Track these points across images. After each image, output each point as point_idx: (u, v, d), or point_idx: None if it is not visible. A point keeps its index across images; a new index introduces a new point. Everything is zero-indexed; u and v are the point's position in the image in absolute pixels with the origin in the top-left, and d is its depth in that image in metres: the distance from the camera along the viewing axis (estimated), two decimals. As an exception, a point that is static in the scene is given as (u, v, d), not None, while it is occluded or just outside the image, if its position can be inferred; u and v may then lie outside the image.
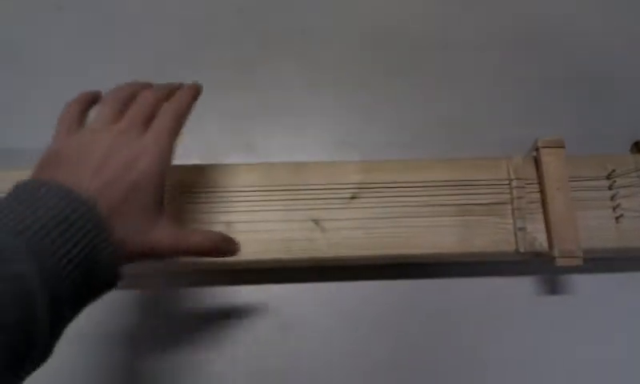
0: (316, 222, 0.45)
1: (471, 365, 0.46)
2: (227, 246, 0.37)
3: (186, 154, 0.49)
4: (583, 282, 0.48)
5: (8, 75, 0.53)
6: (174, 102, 0.37)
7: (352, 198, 0.46)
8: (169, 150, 0.35)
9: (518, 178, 0.46)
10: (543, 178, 0.46)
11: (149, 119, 0.35)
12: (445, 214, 0.46)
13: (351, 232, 0.45)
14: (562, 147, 0.47)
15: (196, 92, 0.39)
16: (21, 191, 0.30)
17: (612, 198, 0.47)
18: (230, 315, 0.46)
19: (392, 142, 0.52)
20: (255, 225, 0.44)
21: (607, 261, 0.48)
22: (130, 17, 0.56)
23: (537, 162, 0.47)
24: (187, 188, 0.45)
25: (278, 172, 0.46)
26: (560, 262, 0.44)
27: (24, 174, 0.32)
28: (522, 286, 0.48)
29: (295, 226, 0.45)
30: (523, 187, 0.46)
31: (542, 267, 0.47)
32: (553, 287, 0.48)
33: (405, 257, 0.45)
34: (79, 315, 0.31)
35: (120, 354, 0.44)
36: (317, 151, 0.51)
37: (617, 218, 0.46)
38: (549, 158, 0.47)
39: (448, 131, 0.53)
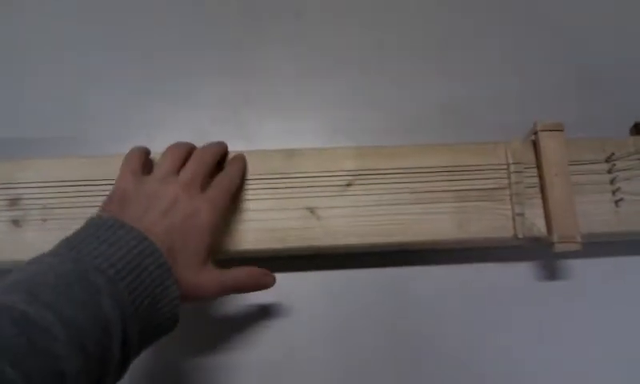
0: (311, 210, 0.44)
1: (470, 352, 0.45)
2: (266, 279, 0.41)
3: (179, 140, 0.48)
4: (582, 267, 0.47)
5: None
6: (231, 172, 0.43)
7: (347, 185, 0.45)
8: (224, 210, 0.40)
9: (516, 163, 0.46)
10: (542, 162, 0.45)
11: (206, 178, 0.40)
12: (442, 200, 0.45)
13: (347, 220, 0.44)
14: (561, 131, 0.46)
15: (244, 165, 0.45)
16: (101, 229, 0.33)
17: (611, 181, 0.46)
18: (224, 306, 0.46)
19: (388, 127, 0.51)
20: (248, 214, 0.43)
21: (607, 245, 0.47)
22: (122, 3, 0.54)
23: (535, 146, 0.46)
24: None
25: (272, 159, 0.45)
26: (559, 248, 0.43)
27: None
28: (521, 271, 0.47)
29: (290, 215, 0.44)
30: (521, 172, 0.45)
31: (541, 252, 0.47)
32: (552, 272, 0.48)
33: (402, 244, 0.44)
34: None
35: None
36: (311, 137, 0.50)
37: (616, 202, 0.45)
38: (548, 142, 0.46)
39: (445, 116, 0.52)
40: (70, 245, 0.33)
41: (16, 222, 0.42)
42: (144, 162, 0.41)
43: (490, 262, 0.47)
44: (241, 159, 0.44)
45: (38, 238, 0.42)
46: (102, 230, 0.33)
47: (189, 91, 0.50)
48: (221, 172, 0.42)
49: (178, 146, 0.42)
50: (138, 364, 0.39)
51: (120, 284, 0.31)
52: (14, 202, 0.42)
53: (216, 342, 0.45)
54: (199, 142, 0.48)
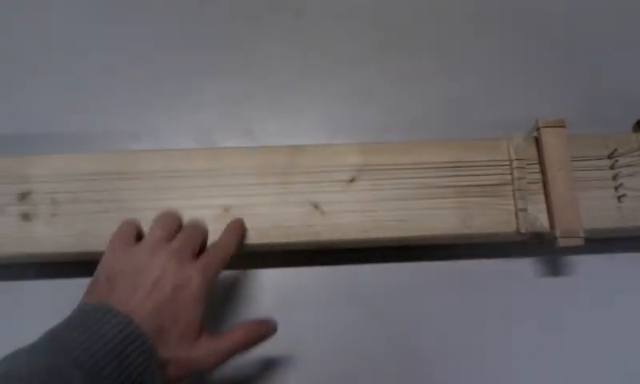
0: (315, 205, 0.44)
1: (472, 348, 0.45)
2: (266, 329, 0.39)
3: (182, 137, 0.49)
4: (585, 263, 0.48)
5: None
6: (224, 241, 0.41)
7: (351, 180, 0.45)
8: (213, 280, 0.38)
9: (518, 159, 0.46)
10: (544, 158, 0.45)
11: (196, 248, 0.39)
12: (444, 195, 0.45)
13: (351, 215, 0.44)
14: (563, 127, 0.46)
15: (242, 233, 0.43)
16: (85, 317, 0.33)
17: (614, 177, 0.46)
18: (228, 300, 0.46)
19: (390, 123, 0.51)
20: (253, 208, 0.44)
21: (609, 241, 0.47)
22: (124, 2, 0.55)
23: (538, 142, 0.47)
24: (186, 172, 0.44)
25: (276, 155, 0.45)
26: (562, 243, 0.43)
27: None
28: (524, 267, 0.48)
29: (294, 210, 0.44)
30: (524, 167, 0.46)
31: (544, 248, 0.47)
32: (554, 268, 0.48)
33: (405, 239, 0.45)
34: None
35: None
36: (314, 134, 0.50)
37: (619, 198, 0.45)
38: (550, 138, 0.46)
39: (447, 111, 0.52)
40: (51, 336, 0.32)
41: (26, 216, 0.42)
42: (135, 235, 0.39)
43: (492, 258, 0.48)
44: (239, 226, 0.42)
45: (46, 232, 0.42)
46: (87, 318, 0.32)
47: (192, 89, 0.51)
48: (218, 239, 0.41)
49: (168, 214, 0.40)
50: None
51: (101, 374, 0.30)
52: (23, 196, 0.43)
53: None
54: (203, 140, 0.49)
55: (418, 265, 0.47)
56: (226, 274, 0.46)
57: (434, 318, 0.46)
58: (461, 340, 0.46)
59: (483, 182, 0.46)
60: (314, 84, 0.52)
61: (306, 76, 0.52)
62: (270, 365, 0.45)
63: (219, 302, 0.46)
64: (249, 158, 0.45)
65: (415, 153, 0.46)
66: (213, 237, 0.42)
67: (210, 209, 0.44)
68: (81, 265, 0.44)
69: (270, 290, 0.46)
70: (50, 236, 0.42)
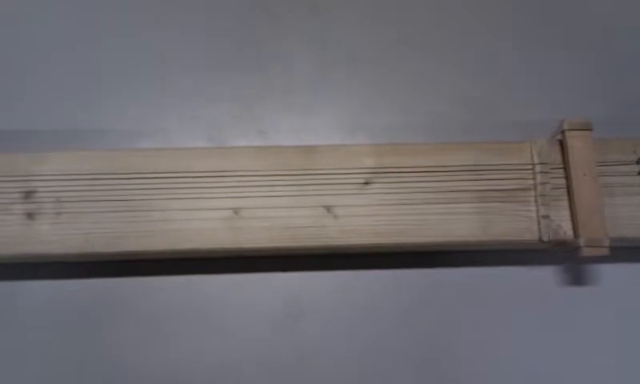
0: (328, 208, 0.43)
1: (490, 357, 0.44)
2: None
3: (194, 137, 0.48)
4: (610, 273, 0.46)
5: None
6: None
7: (365, 183, 0.43)
8: None
9: (542, 163, 0.44)
10: (569, 162, 0.43)
11: None
12: (463, 200, 0.44)
13: (365, 219, 0.43)
14: (589, 130, 0.44)
15: None
16: None
17: (643, 183, 0.44)
18: (239, 304, 0.45)
19: (407, 125, 0.49)
20: (264, 211, 0.42)
21: (636, 250, 0.45)
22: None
23: (562, 146, 0.44)
24: (195, 173, 0.43)
25: (288, 156, 0.44)
26: (586, 252, 0.41)
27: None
28: (546, 276, 0.46)
29: (306, 213, 0.43)
30: (548, 172, 0.44)
31: (567, 257, 0.45)
32: (578, 278, 0.46)
33: (421, 245, 0.43)
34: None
35: (132, 338, 0.44)
36: (328, 134, 0.49)
37: (647, 205, 0.43)
38: (575, 142, 0.44)
39: (467, 112, 0.50)
40: None
41: (30, 215, 0.41)
42: None
43: (513, 266, 0.46)
44: None
45: (51, 231, 0.41)
46: None
47: (204, 86, 0.50)
48: None
49: None
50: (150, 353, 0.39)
51: None
52: (28, 194, 0.42)
53: (229, 342, 0.44)
54: (214, 139, 0.47)
55: (435, 271, 0.46)
56: (236, 277, 0.45)
57: (450, 326, 0.45)
58: (478, 350, 0.44)
59: (504, 187, 0.44)
60: (328, 82, 0.50)
61: (321, 73, 0.51)
62: (279, 372, 0.43)
63: (227, 305, 0.45)
64: (261, 158, 0.44)
65: (433, 155, 0.44)
66: (223, 242, 0.41)
67: (219, 210, 0.42)
68: (85, 265, 0.44)
69: (281, 294, 0.45)
70: (54, 235, 0.41)
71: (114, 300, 0.44)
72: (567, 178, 0.44)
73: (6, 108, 0.48)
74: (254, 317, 0.45)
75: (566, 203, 0.43)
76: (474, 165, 0.44)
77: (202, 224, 0.42)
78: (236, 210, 0.42)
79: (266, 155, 0.44)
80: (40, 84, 0.49)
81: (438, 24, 0.53)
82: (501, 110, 0.50)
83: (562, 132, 0.44)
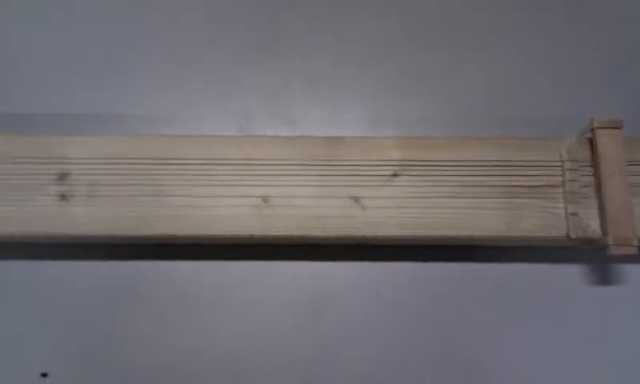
0: (355, 199, 0.43)
1: (513, 355, 0.44)
2: None
3: (223, 126, 0.48)
4: (637, 273, 0.45)
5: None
6: None
7: (393, 175, 0.44)
8: None
9: (571, 160, 0.44)
10: (599, 160, 0.43)
11: None
12: (491, 195, 0.44)
13: (391, 211, 0.43)
14: (619, 128, 0.44)
15: None
16: None
17: (673, 183, 0.44)
18: (264, 291, 0.45)
19: (435, 117, 0.49)
20: (292, 200, 0.43)
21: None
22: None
23: (592, 144, 0.44)
24: (225, 160, 0.44)
25: (317, 146, 0.44)
26: (614, 250, 0.41)
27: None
28: (572, 273, 0.45)
29: (333, 203, 0.43)
30: (576, 170, 0.44)
31: (594, 255, 0.45)
32: (605, 276, 0.45)
33: (447, 239, 0.43)
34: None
35: (149, 321, 0.44)
36: (356, 125, 0.49)
37: (677, 205, 0.43)
38: (605, 140, 0.43)
39: (495, 107, 0.50)
40: None
41: (64, 197, 0.42)
42: None
43: (539, 263, 0.45)
44: None
45: (83, 213, 0.42)
46: None
47: (234, 76, 0.50)
48: None
49: None
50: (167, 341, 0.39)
51: None
52: (62, 176, 0.43)
53: (253, 329, 0.44)
54: (243, 128, 0.48)
55: (460, 266, 0.46)
56: (258, 264, 0.46)
57: (473, 321, 0.44)
58: (501, 345, 0.44)
59: (532, 183, 0.44)
60: (356, 73, 0.50)
61: (349, 65, 0.51)
62: (301, 360, 0.44)
63: (248, 293, 0.45)
64: (290, 147, 0.44)
65: (461, 149, 0.44)
66: (251, 229, 0.42)
67: (248, 198, 0.43)
68: (114, 247, 0.44)
69: (306, 283, 0.45)
70: (86, 217, 0.42)
71: (141, 282, 0.45)
72: (596, 175, 0.43)
73: (42, 92, 0.49)
74: (279, 305, 0.45)
75: (594, 201, 0.43)
76: (503, 160, 0.44)
77: (231, 211, 0.43)
78: (265, 198, 0.43)
79: (295, 145, 0.44)
80: (75, 69, 0.50)
81: (467, 17, 0.53)
82: (527, 107, 0.50)
83: (592, 130, 0.44)
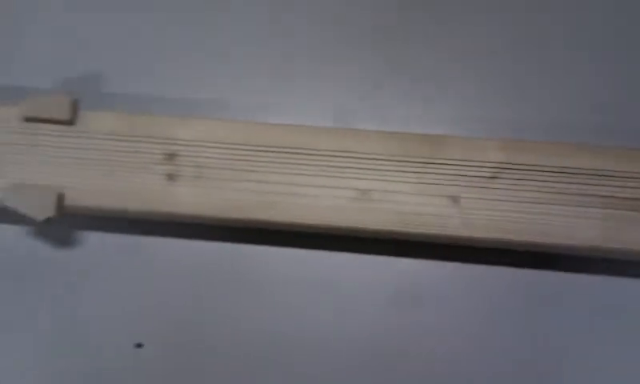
0: (453, 198, 0.43)
1: (597, 373, 0.43)
2: None
3: (317, 116, 0.49)
4: None
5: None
6: None
7: (492, 177, 0.44)
8: None
9: (678, 174, 0.43)
10: None
11: None
12: (590, 204, 0.43)
13: (489, 213, 0.43)
14: None
15: None
16: None
17: None
18: (353, 283, 0.46)
19: (537, 121, 0.49)
20: (390, 195, 0.43)
21: None
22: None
23: (702, 159, 0.43)
24: (323, 151, 0.44)
25: (416, 143, 0.44)
26: None
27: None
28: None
29: (431, 201, 0.43)
30: (683, 185, 0.43)
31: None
32: None
33: (543, 245, 0.43)
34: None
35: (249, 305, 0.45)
36: (454, 124, 0.49)
37: None
38: None
39: (600, 115, 0.49)
40: None
41: (171, 176, 0.44)
42: None
43: (635, 277, 0.45)
44: None
45: (188, 194, 0.43)
46: None
47: (333, 68, 0.51)
48: None
49: None
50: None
51: None
52: (170, 156, 0.44)
53: (338, 319, 0.45)
54: (340, 119, 0.48)
55: (553, 274, 0.45)
56: (346, 256, 0.46)
57: (560, 332, 0.44)
58: (585, 360, 0.44)
59: (633, 196, 0.43)
60: (458, 72, 0.50)
61: (451, 63, 0.50)
62: (384, 354, 0.44)
63: (342, 283, 0.46)
64: (389, 142, 0.44)
65: (562, 155, 0.44)
66: (347, 221, 0.43)
67: (344, 189, 0.43)
68: (216, 229, 0.46)
69: (396, 280, 0.46)
70: (191, 198, 0.43)
71: (238, 265, 0.46)
72: None
73: (155, 74, 0.51)
74: (367, 299, 0.46)
75: (701, 219, 0.42)
76: (604, 170, 0.43)
77: (329, 201, 0.43)
78: (362, 192, 0.43)
79: (395, 140, 0.45)
80: (188, 55, 0.52)
81: (578, 21, 0.52)
82: (634, 117, 0.49)
83: (703, 145, 0.43)
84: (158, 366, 0.45)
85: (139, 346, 0.45)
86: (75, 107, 0.45)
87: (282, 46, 0.51)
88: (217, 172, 0.44)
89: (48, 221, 0.43)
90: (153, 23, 0.52)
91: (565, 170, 0.44)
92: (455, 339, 0.45)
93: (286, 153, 0.44)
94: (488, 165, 0.44)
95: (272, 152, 0.44)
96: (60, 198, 0.43)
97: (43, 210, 0.43)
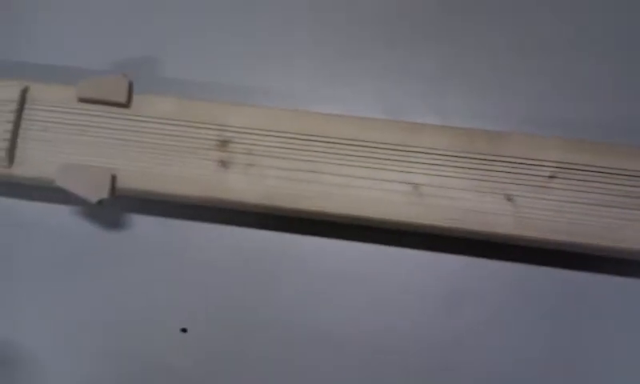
0: (508, 197, 0.42)
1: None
2: None
3: (370, 108, 0.48)
4: None
5: None
6: None
7: (550, 177, 0.42)
8: None
9: None
10: None
11: None
12: (651, 208, 0.42)
13: (545, 213, 0.42)
14: None
15: None
16: None
17: None
18: (402, 278, 0.46)
19: (600, 121, 0.47)
20: (445, 191, 0.43)
21: None
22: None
23: None
24: (378, 143, 0.44)
25: (473, 139, 0.43)
26: None
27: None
28: None
29: (486, 198, 0.42)
30: None
31: None
32: None
33: (599, 248, 0.42)
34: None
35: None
36: (511, 122, 0.47)
37: None
38: None
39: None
40: None
41: (223, 163, 0.44)
42: None
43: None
44: None
45: (240, 181, 0.43)
46: None
47: (387, 59, 0.50)
48: None
49: None
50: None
51: None
52: (224, 143, 0.44)
53: (383, 312, 0.45)
54: (393, 113, 0.48)
55: (606, 278, 0.44)
56: (402, 251, 0.46)
57: (608, 338, 0.44)
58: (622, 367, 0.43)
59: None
60: (519, 69, 0.49)
61: (512, 59, 0.49)
62: (433, 351, 0.44)
63: (390, 277, 0.46)
64: (445, 137, 0.43)
65: (623, 158, 0.42)
66: (400, 215, 0.42)
67: (399, 183, 0.43)
68: (266, 217, 0.46)
69: (446, 277, 0.45)
70: (243, 185, 0.43)
71: (286, 254, 0.46)
72: None
73: (211, 60, 0.51)
74: (416, 294, 0.45)
75: None
76: (667, 174, 0.42)
77: (382, 195, 0.43)
78: (416, 186, 0.43)
79: (451, 135, 0.44)
80: (245, 43, 0.51)
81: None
82: None
83: None
84: (201, 352, 0.45)
85: (184, 330, 0.46)
86: (131, 90, 0.45)
87: (338, 38, 0.51)
88: (269, 160, 0.43)
89: (101, 202, 0.43)
90: (209, 10, 0.52)
91: (625, 172, 0.42)
92: (498, 337, 0.44)
93: (340, 144, 0.44)
94: (547, 164, 0.43)
95: (326, 142, 0.44)
96: (113, 180, 0.44)
97: (97, 192, 0.43)
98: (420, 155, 0.43)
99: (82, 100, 0.45)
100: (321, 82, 0.50)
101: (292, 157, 0.44)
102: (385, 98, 0.49)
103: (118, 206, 0.47)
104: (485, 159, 0.43)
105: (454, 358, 0.44)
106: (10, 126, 0.44)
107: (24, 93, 0.45)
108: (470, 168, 0.43)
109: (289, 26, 0.51)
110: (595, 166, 0.43)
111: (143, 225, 0.47)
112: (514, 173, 0.43)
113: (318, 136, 0.44)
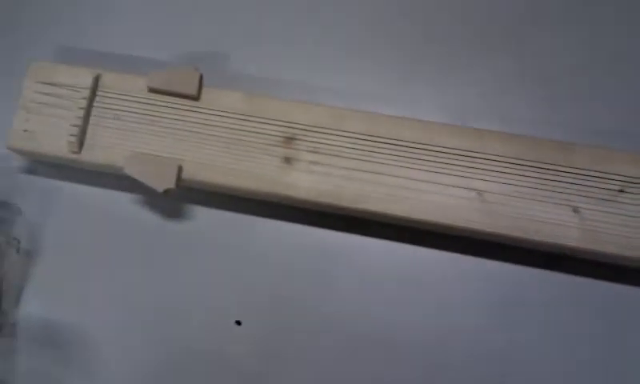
0: (575, 209, 0.42)
1: None
2: None
3: (436, 113, 0.48)
4: None
5: None
6: None
7: (620, 191, 0.42)
8: None
9: None
10: None
11: None
12: None
13: (612, 227, 0.41)
14: None
15: None
16: None
17: None
18: (457, 283, 0.45)
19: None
20: (509, 199, 0.42)
21: None
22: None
23: None
24: (442, 147, 0.43)
25: (541, 148, 0.43)
26: None
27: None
28: None
29: (550, 209, 0.42)
30: None
31: None
32: None
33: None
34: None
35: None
36: (577, 132, 0.46)
37: None
38: None
39: None
40: None
41: (287, 160, 0.44)
42: None
43: None
44: None
45: (303, 179, 0.43)
46: None
47: (453, 64, 0.50)
48: None
49: None
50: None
51: None
52: (289, 140, 0.44)
53: (438, 314, 0.45)
54: (458, 118, 0.47)
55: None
56: (459, 258, 0.46)
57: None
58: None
59: None
60: (588, 79, 0.48)
61: (581, 69, 0.48)
62: (489, 356, 0.44)
63: (446, 281, 0.45)
64: (512, 145, 0.43)
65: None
66: (463, 221, 0.42)
67: (464, 189, 0.43)
68: (327, 216, 0.46)
69: (499, 285, 0.45)
70: (306, 182, 0.43)
71: (344, 254, 0.46)
72: None
73: (278, 58, 0.51)
74: (469, 300, 0.45)
75: None
76: None
77: (446, 200, 0.43)
78: (480, 192, 0.43)
79: (517, 143, 0.43)
80: (310, 39, 0.52)
81: None
82: None
83: None
84: (255, 345, 0.45)
85: (238, 323, 0.46)
86: (201, 83, 0.46)
87: (405, 43, 0.51)
88: (334, 159, 0.44)
89: (166, 192, 0.44)
90: (278, 8, 0.52)
91: (697, 190, 0.42)
92: (549, 349, 0.44)
93: (406, 146, 0.44)
94: (616, 178, 0.42)
95: (391, 144, 0.44)
96: (179, 171, 0.44)
97: (164, 181, 0.44)
98: (486, 162, 0.43)
99: (153, 90, 0.46)
100: (387, 84, 0.50)
101: (357, 157, 0.44)
102: (450, 103, 0.48)
103: (179, 197, 0.47)
104: (551, 169, 0.43)
105: (507, 368, 0.43)
106: (81, 113, 0.45)
107: (96, 80, 0.46)
108: (535, 177, 0.43)
109: (356, 27, 0.51)
110: (666, 183, 0.42)
111: (205, 217, 0.48)
112: (581, 184, 0.42)
113: (384, 138, 0.44)
